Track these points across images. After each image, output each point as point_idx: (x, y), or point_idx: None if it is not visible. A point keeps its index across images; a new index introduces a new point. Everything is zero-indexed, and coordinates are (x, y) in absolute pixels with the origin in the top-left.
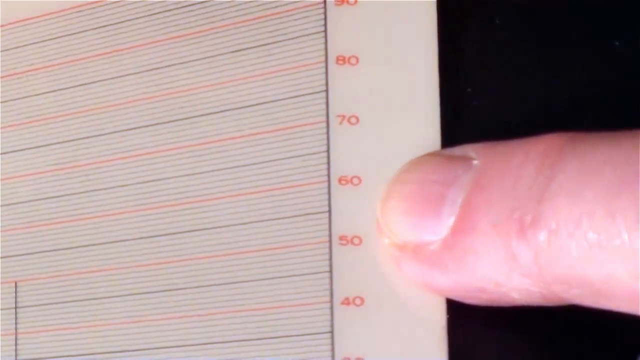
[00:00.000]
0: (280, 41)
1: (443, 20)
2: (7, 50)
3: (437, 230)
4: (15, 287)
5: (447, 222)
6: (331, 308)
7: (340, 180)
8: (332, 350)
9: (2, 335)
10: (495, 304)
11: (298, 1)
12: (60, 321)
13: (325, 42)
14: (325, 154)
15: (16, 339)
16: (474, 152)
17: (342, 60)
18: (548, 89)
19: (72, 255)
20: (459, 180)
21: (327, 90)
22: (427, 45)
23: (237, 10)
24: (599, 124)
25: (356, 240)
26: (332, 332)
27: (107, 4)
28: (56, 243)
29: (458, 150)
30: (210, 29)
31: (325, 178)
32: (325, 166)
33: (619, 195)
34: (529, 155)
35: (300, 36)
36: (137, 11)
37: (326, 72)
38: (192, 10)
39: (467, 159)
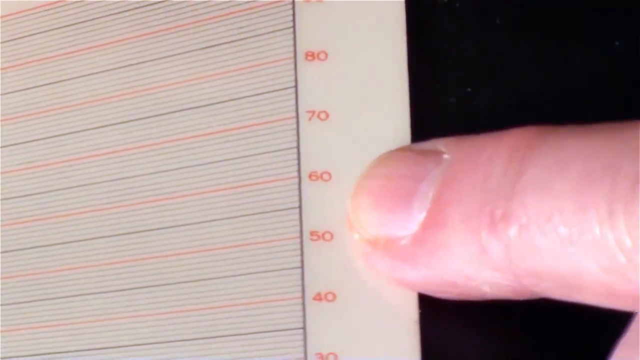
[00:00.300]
0: (249, 37)
1: (412, 17)
2: None
3: (407, 225)
4: None
5: (418, 217)
6: (303, 304)
7: (310, 176)
8: (305, 346)
9: None
10: (466, 298)
11: None
12: (31, 319)
13: (294, 38)
14: (295, 150)
15: None
16: (444, 147)
17: (311, 56)
18: (546, 88)
19: (43, 254)
20: (429, 175)
21: (296, 86)
22: (396, 40)
23: (205, 7)
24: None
25: (327, 236)
26: (304, 328)
27: (75, 2)
28: (28, 241)
29: (428, 145)
30: (179, 26)
31: (296, 174)
32: (295, 162)
33: (589, 189)
34: (499, 149)
35: (269, 32)
36: (106, 9)
37: (295, 68)
38: (160, 8)
39: (437, 154)
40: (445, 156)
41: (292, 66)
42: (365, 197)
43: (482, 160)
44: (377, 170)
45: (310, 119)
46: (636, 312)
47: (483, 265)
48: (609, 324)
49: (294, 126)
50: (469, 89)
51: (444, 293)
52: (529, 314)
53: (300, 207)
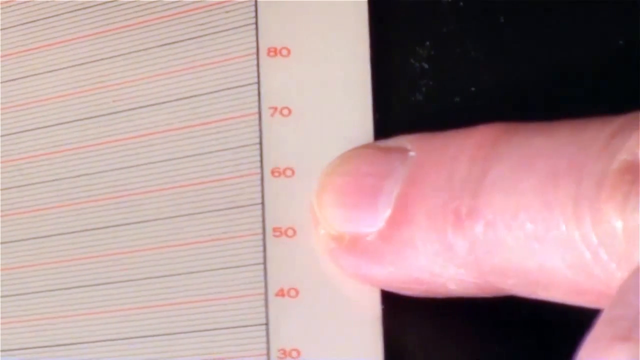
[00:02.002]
0: (211, 34)
1: (375, 13)
2: None
3: (373, 222)
4: None
5: (384, 214)
6: (266, 300)
7: (273, 172)
8: (268, 342)
9: None
10: (431, 295)
11: None
12: None
13: (257, 34)
14: (257, 146)
15: None
16: (410, 144)
17: (273, 52)
18: (547, 87)
19: (5, 251)
20: (394, 172)
21: (258, 82)
22: (359, 35)
23: (167, 3)
24: None
25: (290, 232)
26: (267, 324)
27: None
28: None
29: (393, 142)
30: (141, 22)
31: (258, 170)
32: (258, 158)
33: (555, 186)
34: (464, 147)
35: (231, 28)
36: (67, 6)
37: (258, 64)
38: (122, 4)
39: (402, 151)
40: (411, 153)
41: (255, 62)
42: (331, 193)
43: (447, 157)
44: (343, 167)
45: (272, 115)
46: (602, 309)
47: (448, 262)
48: (575, 321)
49: (257, 122)
50: (473, 88)
51: (409, 290)
52: (494, 311)
53: (262, 203)
